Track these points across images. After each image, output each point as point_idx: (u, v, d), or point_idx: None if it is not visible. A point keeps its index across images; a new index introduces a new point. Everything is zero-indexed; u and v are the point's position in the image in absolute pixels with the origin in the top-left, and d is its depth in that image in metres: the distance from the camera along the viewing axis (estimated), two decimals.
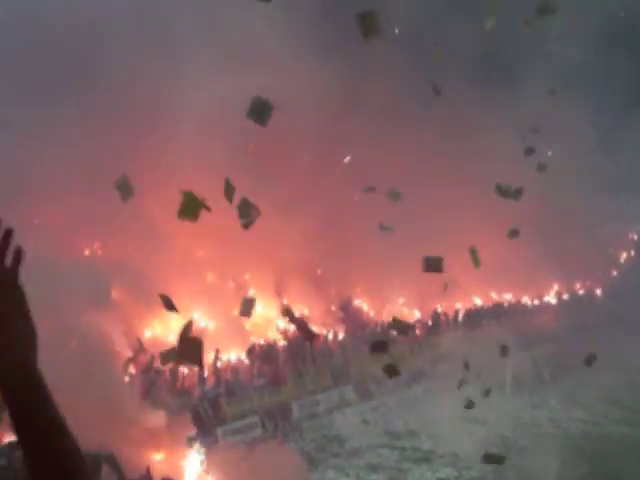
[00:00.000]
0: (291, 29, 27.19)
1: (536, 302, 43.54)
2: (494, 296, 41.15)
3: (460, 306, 38.86)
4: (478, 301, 40.34)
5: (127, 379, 21.26)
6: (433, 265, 11.83)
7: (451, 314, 37.83)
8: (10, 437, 13.85)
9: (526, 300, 42.85)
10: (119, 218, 23.45)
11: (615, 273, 49.11)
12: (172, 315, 27.05)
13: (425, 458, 23.84)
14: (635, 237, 53.41)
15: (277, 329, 31.46)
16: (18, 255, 2.07)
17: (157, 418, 17.45)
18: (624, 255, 52.53)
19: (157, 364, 24.75)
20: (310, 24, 28.86)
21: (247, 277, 32.87)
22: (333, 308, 33.84)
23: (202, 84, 26.69)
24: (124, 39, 26.34)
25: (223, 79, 26.06)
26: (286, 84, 27.50)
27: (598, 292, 47.05)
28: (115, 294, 24.82)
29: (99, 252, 26.36)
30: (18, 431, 2.03)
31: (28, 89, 25.13)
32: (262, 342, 30.05)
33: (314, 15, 29.51)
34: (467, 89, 34.36)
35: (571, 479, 20.38)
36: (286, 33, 26.73)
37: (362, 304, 37.08)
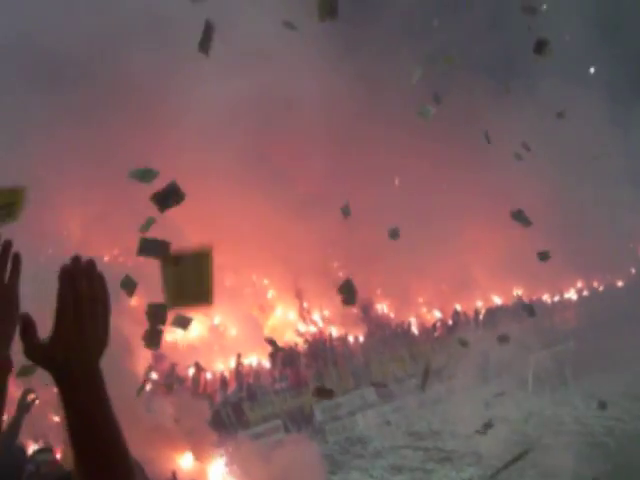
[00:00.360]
0: (305, 30, 27.19)
1: (556, 299, 43.43)
2: (517, 293, 41.10)
3: (480, 305, 38.83)
4: (498, 300, 40.26)
5: (149, 385, 21.30)
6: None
7: (471, 313, 37.80)
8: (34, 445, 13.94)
9: (546, 297, 42.71)
10: (137, 224, 23.53)
11: (634, 270, 48.93)
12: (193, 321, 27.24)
13: (449, 458, 23.79)
14: None
15: (297, 332, 31.51)
16: (17, 261, 2.13)
17: (180, 423, 17.50)
18: None
19: (179, 370, 24.95)
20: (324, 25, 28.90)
21: (266, 282, 32.94)
22: (354, 310, 33.82)
23: (215, 84, 26.65)
24: (133, 38, 26.34)
25: (236, 78, 26.05)
26: (303, 82, 27.51)
27: (619, 288, 46.86)
28: (134, 300, 24.89)
29: (119, 259, 26.38)
30: (74, 433, 2.08)
31: (38, 91, 25.15)
32: (285, 347, 30.04)
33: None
34: (477, 81, 34.50)
35: (596, 476, 20.29)
36: (301, 33, 26.74)
37: (382, 305, 37.09)
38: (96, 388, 2.10)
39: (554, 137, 35.02)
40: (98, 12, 26.20)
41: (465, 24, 33.81)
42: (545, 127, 32.82)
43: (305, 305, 33.62)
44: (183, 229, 22.35)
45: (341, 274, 34.87)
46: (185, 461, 16.92)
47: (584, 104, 37.25)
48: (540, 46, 15.28)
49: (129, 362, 18.08)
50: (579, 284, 45.29)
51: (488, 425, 18.05)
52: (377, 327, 34.56)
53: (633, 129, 41.41)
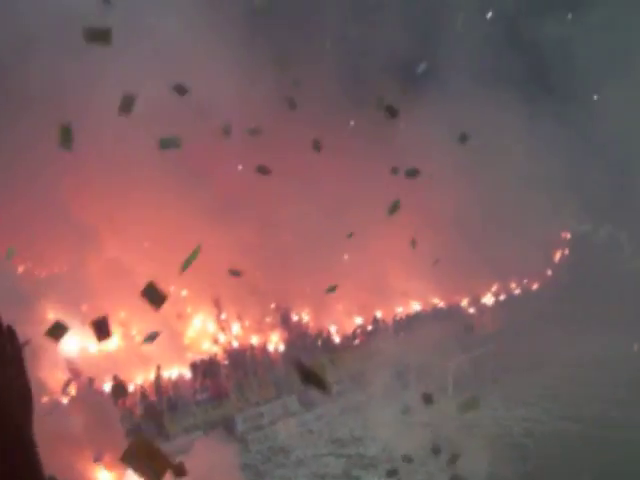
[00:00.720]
0: (224, 34, 27.01)
1: (474, 304, 43.92)
2: (435, 300, 41.45)
3: (400, 311, 39.07)
4: (417, 306, 40.54)
5: (66, 401, 20.87)
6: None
7: (391, 320, 38.01)
8: None
9: (464, 302, 43.19)
10: (53, 233, 23.09)
11: (550, 272, 49.83)
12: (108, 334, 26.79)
13: (371, 464, 23.85)
14: (568, 236, 54.26)
15: (216, 342, 31.26)
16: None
17: (100, 437, 17.17)
18: (558, 254, 53.33)
19: (97, 384, 24.52)
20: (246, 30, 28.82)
21: (185, 293, 32.59)
22: (272, 319, 33.72)
23: (131, 86, 26.14)
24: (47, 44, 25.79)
25: (154, 81, 25.64)
26: (220, 86, 27.25)
27: (535, 292, 47.64)
28: (51, 311, 24.42)
29: (34, 270, 25.91)
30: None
31: None
32: (205, 358, 29.70)
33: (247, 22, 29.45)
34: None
35: (517, 477, 20.56)
36: (218, 38, 26.53)
37: (302, 314, 37.02)
38: (27, 452, 2.03)
39: (467, 143, 35.43)
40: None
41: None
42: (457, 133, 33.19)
43: (223, 316, 33.32)
44: (100, 237, 22.00)
45: (260, 282, 34.78)
46: (102, 475, 16.62)
47: (496, 109, 37.70)
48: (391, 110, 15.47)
49: (41, 373, 17.72)
50: (495, 288, 45.84)
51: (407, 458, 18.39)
52: (297, 336, 34.49)
53: (547, 135, 41.96)
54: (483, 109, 36.43)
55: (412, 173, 17.93)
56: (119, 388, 20.77)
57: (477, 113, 35.46)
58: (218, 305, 32.43)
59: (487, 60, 39.11)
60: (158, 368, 26.60)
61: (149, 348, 27.15)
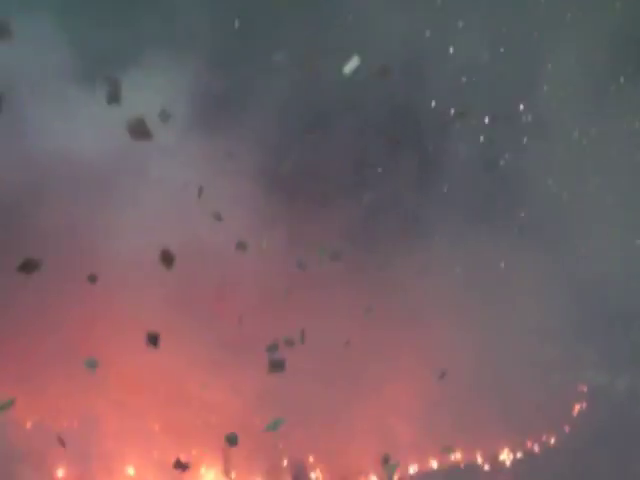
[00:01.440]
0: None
1: (490, 462, 43.04)
2: (452, 457, 40.63)
3: (416, 469, 38.32)
4: (434, 463, 39.77)
5: None
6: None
7: (406, 478, 37.21)
8: None
9: (480, 460, 42.27)
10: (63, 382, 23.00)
11: (568, 428, 48.90)
12: None
13: None
14: (585, 389, 53.29)
15: None
16: None
17: None
18: (576, 408, 52.32)
19: None
20: None
21: (194, 452, 32.13)
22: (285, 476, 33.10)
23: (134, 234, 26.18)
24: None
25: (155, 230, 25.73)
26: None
27: (553, 448, 46.64)
28: (60, 467, 24.14)
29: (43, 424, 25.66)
30: None
31: None
32: None
33: None
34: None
35: None
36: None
37: (317, 473, 36.38)
38: None
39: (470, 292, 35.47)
40: None
41: None
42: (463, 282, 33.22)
43: (233, 475, 32.72)
44: (108, 384, 21.96)
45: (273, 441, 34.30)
46: None
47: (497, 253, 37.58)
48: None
49: None
50: (511, 445, 44.93)
51: None
52: None
53: (559, 286, 41.81)
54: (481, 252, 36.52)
55: None
56: None
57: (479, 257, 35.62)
58: (228, 461, 31.87)
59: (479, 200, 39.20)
60: None
61: None
